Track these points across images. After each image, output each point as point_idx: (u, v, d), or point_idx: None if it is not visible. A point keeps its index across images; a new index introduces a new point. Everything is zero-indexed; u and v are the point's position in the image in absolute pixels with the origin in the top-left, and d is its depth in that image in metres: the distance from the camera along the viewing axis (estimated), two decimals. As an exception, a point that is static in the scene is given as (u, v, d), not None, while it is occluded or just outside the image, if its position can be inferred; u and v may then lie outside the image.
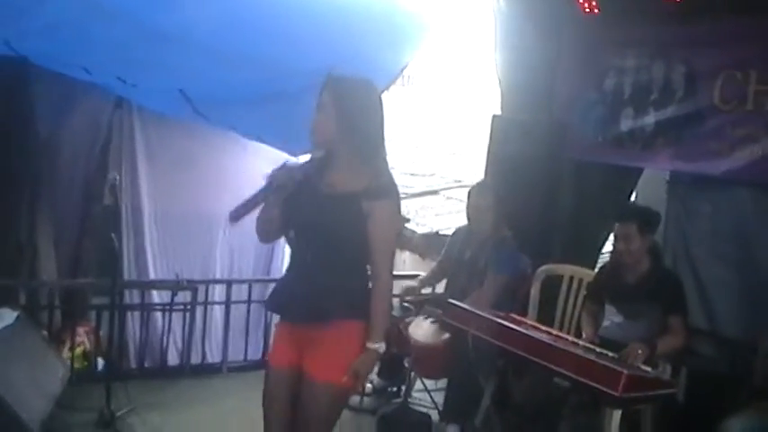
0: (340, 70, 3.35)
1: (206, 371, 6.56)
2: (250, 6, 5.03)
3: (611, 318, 4.80)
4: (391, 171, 3.40)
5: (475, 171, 10.64)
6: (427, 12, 5.82)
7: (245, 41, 5.35)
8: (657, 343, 4.42)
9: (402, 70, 6.35)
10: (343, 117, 3.27)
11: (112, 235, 5.16)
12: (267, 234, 3.51)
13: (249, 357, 7.00)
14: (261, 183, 3.45)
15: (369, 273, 3.39)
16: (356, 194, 3.25)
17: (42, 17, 5.00)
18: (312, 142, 3.41)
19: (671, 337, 4.52)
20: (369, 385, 5.77)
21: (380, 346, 3.31)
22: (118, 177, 4.48)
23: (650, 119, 5.70)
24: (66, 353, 6.06)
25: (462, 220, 5.90)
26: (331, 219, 3.28)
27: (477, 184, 5.78)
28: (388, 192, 3.30)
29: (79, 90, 6.60)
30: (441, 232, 8.50)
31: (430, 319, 5.32)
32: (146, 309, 6.76)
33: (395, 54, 5.99)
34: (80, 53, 5.61)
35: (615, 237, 4.90)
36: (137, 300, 6.89)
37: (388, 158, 3.41)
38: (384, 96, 6.10)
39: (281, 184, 3.32)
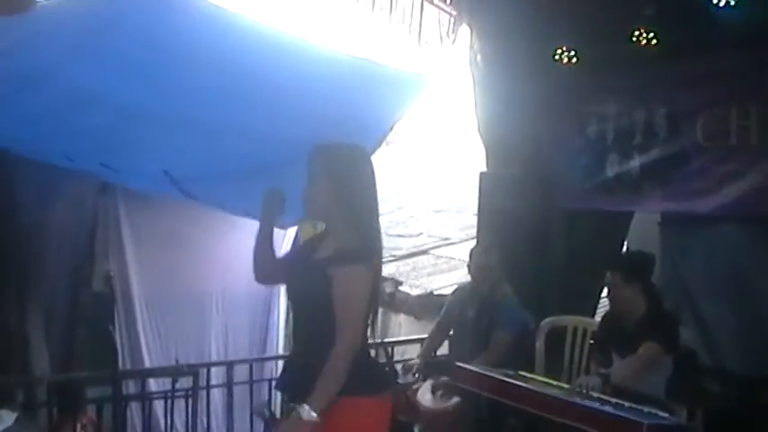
0: (327, 139, 3.39)
1: (212, 456, 6.43)
2: (231, 80, 5.01)
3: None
4: (376, 235, 3.37)
5: (462, 228, 10.69)
6: (410, 72, 5.84)
7: (227, 115, 5.33)
8: (610, 373, 4.41)
9: (390, 129, 6.35)
10: (335, 185, 3.29)
11: (110, 326, 5.07)
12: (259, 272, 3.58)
13: (254, 439, 6.88)
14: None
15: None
16: (324, 260, 3.24)
17: (21, 107, 4.97)
18: (306, 212, 3.43)
19: (626, 362, 4.52)
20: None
21: (309, 415, 3.05)
22: (112, 269, 4.42)
23: (636, 162, 5.73)
24: (63, 450, 5.93)
25: (455, 278, 5.88)
26: (301, 286, 3.32)
27: (480, 243, 5.77)
28: (353, 258, 3.20)
29: (62, 177, 6.51)
30: (435, 292, 8.45)
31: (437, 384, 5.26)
32: (147, 398, 6.61)
33: (382, 114, 5.97)
34: (61, 141, 5.56)
35: (606, 286, 4.90)
36: (133, 389, 6.76)
37: (380, 222, 3.45)
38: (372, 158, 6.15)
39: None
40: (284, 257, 3.71)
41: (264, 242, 3.53)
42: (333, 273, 3.18)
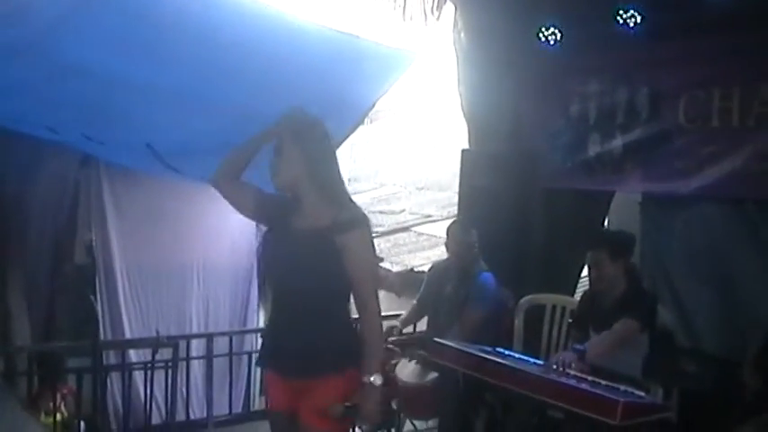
0: (292, 111, 3.36)
1: (191, 428, 6.48)
2: (215, 54, 5.00)
3: (596, 345, 4.78)
4: (357, 204, 3.43)
5: (443, 206, 10.71)
6: (393, 48, 5.84)
7: (210, 89, 5.33)
8: (587, 350, 4.41)
9: (373, 105, 6.35)
10: (305, 158, 3.27)
11: (91, 296, 5.07)
12: (224, 174, 3.47)
13: (234, 411, 6.94)
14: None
15: (353, 313, 3.40)
16: (325, 230, 3.24)
17: (5, 79, 4.95)
18: (275, 185, 3.36)
19: (602, 336, 4.51)
20: (358, 430, 5.70)
21: (375, 379, 3.27)
22: (94, 238, 4.42)
23: (617, 142, 5.74)
24: (43, 418, 5.94)
25: (435, 256, 5.89)
26: (303, 257, 3.28)
27: (459, 220, 5.78)
28: (357, 223, 3.27)
29: (45, 150, 6.54)
30: (415, 269, 8.48)
31: (414, 360, 5.29)
32: (127, 369, 6.63)
33: (365, 90, 5.99)
34: (45, 113, 5.56)
35: (588, 264, 4.89)
36: (113, 359, 6.77)
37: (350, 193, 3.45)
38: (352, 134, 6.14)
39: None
40: (254, 195, 3.47)
41: (248, 152, 3.45)
42: (342, 240, 3.21)
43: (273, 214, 3.41)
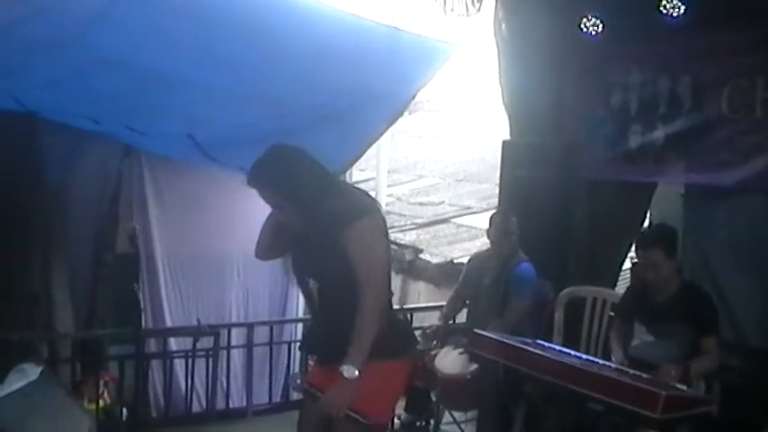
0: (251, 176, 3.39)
1: (231, 416, 6.54)
2: (254, 45, 5.03)
3: (641, 337, 4.70)
4: (361, 192, 3.51)
5: (483, 197, 10.69)
6: (434, 39, 5.82)
7: (248, 82, 5.36)
8: (691, 364, 4.36)
9: (413, 97, 6.34)
10: (296, 200, 3.30)
11: (135, 285, 5.13)
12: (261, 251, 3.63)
13: (273, 400, 7.00)
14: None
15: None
16: (329, 229, 3.27)
17: (49, 72, 5.02)
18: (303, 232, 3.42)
19: (705, 358, 4.43)
20: (396, 420, 5.72)
21: (351, 372, 3.17)
22: (137, 227, 4.47)
23: (659, 133, 5.68)
24: (86, 405, 6.01)
25: (475, 247, 5.87)
26: (321, 259, 3.36)
27: (502, 209, 5.77)
28: (358, 214, 3.28)
29: (88, 140, 6.62)
30: (455, 260, 8.46)
31: (457, 351, 5.28)
32: (168, 356, 6.71)
33: (405, 82, 5.98)
34: (87, 104, 5.62)
35: (641, 263, 4.76)
36: (154, 348, 6.85)
37: (347, 185, 3.61)
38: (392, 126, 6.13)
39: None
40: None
41: (270, 230, 3.55)
42: (343, 235, 3.23)
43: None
